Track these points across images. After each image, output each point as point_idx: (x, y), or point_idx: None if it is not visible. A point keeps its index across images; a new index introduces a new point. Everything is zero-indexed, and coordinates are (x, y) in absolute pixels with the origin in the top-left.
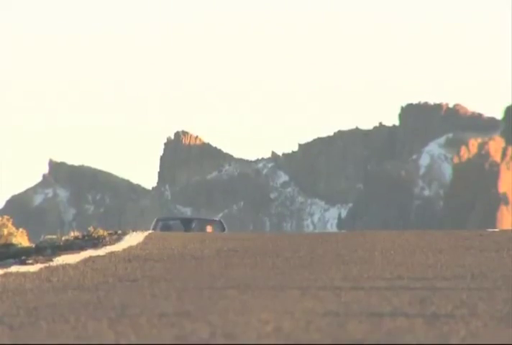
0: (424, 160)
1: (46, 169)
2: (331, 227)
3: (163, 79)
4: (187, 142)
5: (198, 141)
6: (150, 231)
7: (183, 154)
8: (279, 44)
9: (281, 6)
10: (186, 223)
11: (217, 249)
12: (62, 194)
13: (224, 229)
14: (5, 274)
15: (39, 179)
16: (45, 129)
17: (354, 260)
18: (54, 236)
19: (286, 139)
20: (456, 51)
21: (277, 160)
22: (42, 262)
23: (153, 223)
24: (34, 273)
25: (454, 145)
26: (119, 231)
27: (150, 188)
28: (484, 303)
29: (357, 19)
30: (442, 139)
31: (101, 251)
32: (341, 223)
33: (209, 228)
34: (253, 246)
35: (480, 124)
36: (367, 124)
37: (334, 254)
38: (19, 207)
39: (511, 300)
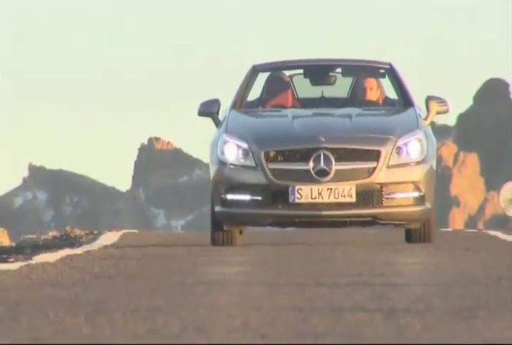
0: None
1: (26, 173)
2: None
3: (138, 88)
4: (159, 148)
5: (169, 147)
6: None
7: (155, 159)
8: (252, 47)
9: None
10: (317, 75)
11: (188, 248)
12: (41, 196)
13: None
14: None
15: (20, 182)
16: (25, 135)
17: (316, 259)
18: (33, 236)
19: None
20: (410, 56)
21: None
22: (22, 261)
23: (246, 76)
24: (14, 271)
25: None
26: (95, 231)
27: (125, 191)
28: (439, 299)
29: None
30: None
31: (78, 250)
32: None
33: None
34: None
35: (433, 131)
36: None
37: (297, 252)
38: (1, 209)
39: (465, 295)
